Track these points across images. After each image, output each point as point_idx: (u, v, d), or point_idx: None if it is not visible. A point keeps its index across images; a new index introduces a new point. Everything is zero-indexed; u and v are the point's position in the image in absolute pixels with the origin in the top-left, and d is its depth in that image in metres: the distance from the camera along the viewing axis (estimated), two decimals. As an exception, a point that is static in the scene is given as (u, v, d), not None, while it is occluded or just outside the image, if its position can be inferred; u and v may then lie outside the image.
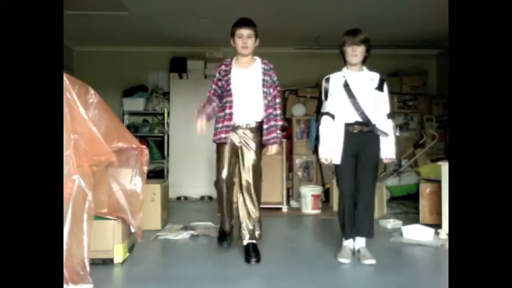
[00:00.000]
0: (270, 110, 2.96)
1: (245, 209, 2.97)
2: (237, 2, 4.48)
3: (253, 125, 2.96)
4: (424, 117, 6.34)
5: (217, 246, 3.15)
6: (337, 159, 2.90)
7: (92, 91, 2.58)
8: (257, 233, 2.98)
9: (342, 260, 2.88)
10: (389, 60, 6.40)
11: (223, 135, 2.93)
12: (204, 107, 3.01)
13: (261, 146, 3.00)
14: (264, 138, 2.96)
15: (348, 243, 2.97)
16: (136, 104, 6.36)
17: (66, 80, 2.25)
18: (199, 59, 6.34)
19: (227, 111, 2.92)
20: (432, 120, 6.33)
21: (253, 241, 2.97)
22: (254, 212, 2.97)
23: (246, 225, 2.97)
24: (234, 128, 2.95)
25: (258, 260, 2.87)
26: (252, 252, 2.90)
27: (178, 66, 6.33)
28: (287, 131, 6.10)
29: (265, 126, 2.95)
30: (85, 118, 2.35)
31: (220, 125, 2.95)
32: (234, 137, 2.96)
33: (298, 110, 6.00)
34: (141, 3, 4.63)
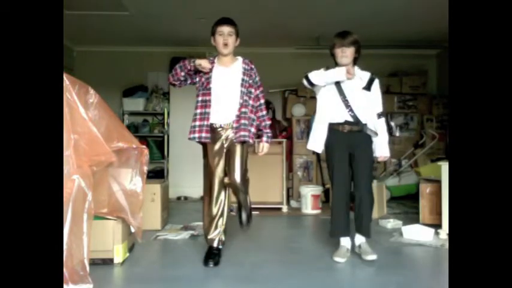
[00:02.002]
0: (243, 109, 2.90)
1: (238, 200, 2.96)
2: (237, 2, 4.47)
3: (234, 124, 2.91)
4: (424, 117, 6.34)
5: (203, 265, 2.83)
6: (316, 147, 2.99)
7: (92, 91, 2.58)
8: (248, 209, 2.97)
9: (337, 259, 2.89)
10: (389, 60, 6.41)
11: (203, 135, 2.87)
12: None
13: (246, 146, 2.93)
14: (233, 136, 2.88)
15: (345, 243, 2.98)
16: (136, 104, 6.36)
17: (66, 80, 2.25)
18: (199, 59, 6.33)
19: (206, 110, 2.89)
20: (432, 120, 6.33)
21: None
22: (246, 206, 2.95)
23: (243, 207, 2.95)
24: (218, 129, 2.90)
25: (248, 221, 2.91)
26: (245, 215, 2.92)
27: (178, 66, 6.32)
28: (287, 131, 6.11)
29: (235, 125, 2.89)
30: (85, 118, 2.35)
31: (198, 123, 2.90)
32: (219, 138, 2.91)
33: (298, 110, 6.00)
34: (142, 3, 4.63)
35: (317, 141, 2.99)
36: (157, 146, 6.39)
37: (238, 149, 2.89)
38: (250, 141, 2.90)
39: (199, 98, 2.95)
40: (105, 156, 2.51)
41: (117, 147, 2.70)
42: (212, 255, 2.88)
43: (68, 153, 2.21)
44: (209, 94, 2.91)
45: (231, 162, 2.88)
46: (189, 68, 2.90)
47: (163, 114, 6.33)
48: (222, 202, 2.95)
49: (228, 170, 2.90)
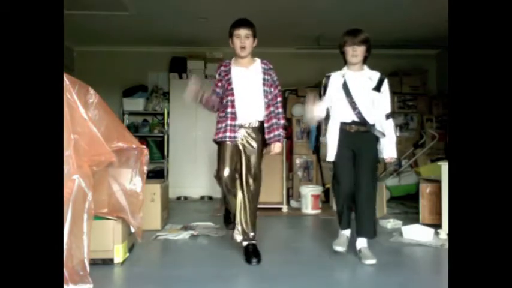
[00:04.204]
0: (271, 109, 2.96)
1: (244, 209, 2.97)
2: (237, 2, 4.48)
3: (255, 124, 2.95)
4: (424, 117, 6.34)
5: (225, 227, 3.18)
6: (331, 157, 2.96)
7: (92, 91, 2.58)
8: (251, 234, 2.99)
9: (337, 248, 2.88)
10: (389, 60, 6.40)
11: (230, 134, 2.88)
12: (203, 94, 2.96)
13: (262, 145, 2.99)
14: (266, 136, 2.95)
15: (345, 232, 2.99)
16: (136, 104, 6.36)
17: (66, 80, 2.25)
18: (199, 59, 6.35)
19: (229, 110, 2.89)
20: (432, 120, 6.33)
21: (253, 242, 2.98)
22: (253, 213, 2.98)
23: (245, 226, 2.97)
24: (238, 128, 2.92)
25: (259, 261, 2.88)
26: (252, 253, 2.91)
27: (178, 66, 6.33)
28: (287, 131, 6.11)
29: (266, 125, 2.95)
30: (85, 118, 2.35)
31: (223, 124, 2.91)
32: (239, 137, 2.94)
33: (298, 110, 6.00)
34: (141, 3, 4.63)
35: (331, 149, 2.95)
36: (157, 146, 6.40)
37: (256, 148, 2.94)
38: (282, 139, 2.97)
39: (224, 100, 2.95)
40: (105, 156, 2.51)
41: (117, 147, 2.70)
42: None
43: (68, 153, 2.21)
44: (232, 94, 2.91)
45: (246, 162, 2.94)
46: (202, 101, 2.92)
47: (163, 114, 6.33)
48: (240, 199, 2.99)
49: (241, 169, 2.95)
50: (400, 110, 6.32)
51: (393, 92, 6.26)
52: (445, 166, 3.52)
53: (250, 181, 2.95)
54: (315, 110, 2.87)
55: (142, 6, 4.69)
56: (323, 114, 2.95)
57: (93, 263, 2.58)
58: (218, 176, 2.95)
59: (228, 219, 3.13)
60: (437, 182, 3.80)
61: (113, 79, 6.40)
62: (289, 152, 5.82)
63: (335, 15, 4.87)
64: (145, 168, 2.92)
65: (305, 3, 4.59)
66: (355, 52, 2.87)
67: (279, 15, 4.94)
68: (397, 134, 6.27)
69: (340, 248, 2.89)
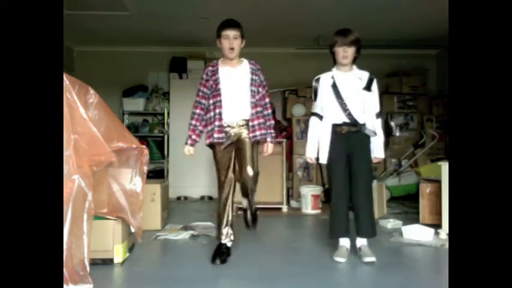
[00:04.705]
0: (259, 109, 2.96)
1: (249, 195, 2.96)
2: (237, 2, 4.48)
3: (242, 123, 2.94)
4: (424, 117, 6.34)
5: (210, 263, 2.86)
6: (323, 159, 2.96)
7: (92, 91, 2.58)
8: (253, 207, 2.99)
9: (337, 259, 2.89)
10: (389, 60, 6.41)
11: (217, 135, 2.89)
12: (190, 137, 3.00)
13: (255, 144, 2.97)
14: (250, 135, 2.93)
15: (345, 243, 2.98)
16: (136, 104, 6.37)
17: (66, 80, 2.25)
18: (199, 59, 6.35)
19: (217, 111, 2.90)
20: (432, 120, 6.33)
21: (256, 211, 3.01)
22: (252, 206, 2.99)
23: (248, 211, 2.98)
24: (226, 128, 2.92)
25: (255, 226, 2.96)
26: (252, 220, 2.96)
27: (178, 66, 6.33)
28: (287, 131, 6.11)
29: (251, 124, 2.93)
30: (85, 118, 2.35)
31: (211, 127, 2.92)
32: (228, 137, 2.93)
33: (298, 110, 6.00)
34: (141, 3, 4.63)
35: (323, 150, 2.95)
36: (157, 146, 6.40)
37: (248, 146, 2.92)
38: (269, 138, 2.97)
39: (211, 101, 2.95)
40: (105, 156, 2.51)
41: (117, 147, 2.70)
42: (220, 253, 2.92)
43: (68, 153, 2.21)
44: (219, 95, 2.91)
45: (242, 160, 2.92)
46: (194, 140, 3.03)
47: (163, 114, 6.33)
48: (231, 201, 2.99)
49: (239, 167, 2.94)
50: (400, 110, 6.32)
51: (393, 92, 6.33)
52: (445, 166, 3.52)
53: (248, 179, 2.89)
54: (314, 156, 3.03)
55: (142, 6, 4.70)
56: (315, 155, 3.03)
57: (93, 263, 2.58)
58: (220, 185, 2.98)
59: (219, 253, 2.95)
60: (437, 182, 3.80)
61: (113, 79, 6.39)
62: (289, 152, 5.83)
63: (335, 15, 4.87)
64: (145, 168, 2.92)
65: (305, 3, 4.59)
66: (346, 53, 2.86)
67: (279, 15, 4.93)
68: (397, 134, 6.28)
69: (341, 259, 2.88)
